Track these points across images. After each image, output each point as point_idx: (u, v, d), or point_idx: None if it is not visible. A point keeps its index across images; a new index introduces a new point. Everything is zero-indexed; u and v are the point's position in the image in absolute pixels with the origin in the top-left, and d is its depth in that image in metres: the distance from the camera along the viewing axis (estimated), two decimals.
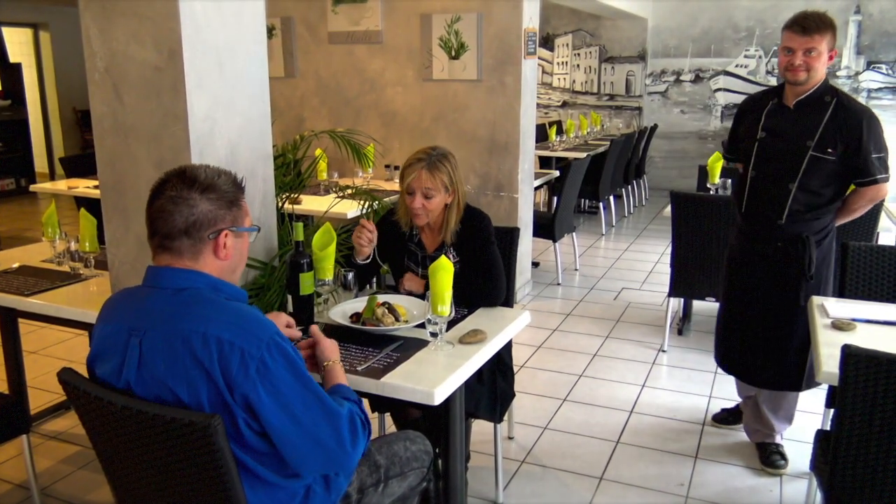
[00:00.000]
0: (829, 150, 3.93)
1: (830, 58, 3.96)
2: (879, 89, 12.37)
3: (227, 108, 3.34)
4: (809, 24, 3.87)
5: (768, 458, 4.37)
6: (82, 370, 2.36)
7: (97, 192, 3.59)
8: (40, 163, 14.72)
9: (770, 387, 4.30)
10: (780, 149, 4.08)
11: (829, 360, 2.99)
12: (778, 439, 4.44)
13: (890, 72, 12.31)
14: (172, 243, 2.30)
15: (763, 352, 4.25)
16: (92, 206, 4.35)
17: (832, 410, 3.00)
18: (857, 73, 12.40)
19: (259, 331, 2.21)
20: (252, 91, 3.48)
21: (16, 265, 4.36)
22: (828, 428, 3.48)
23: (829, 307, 3.60)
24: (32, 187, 8.50)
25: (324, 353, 2.73)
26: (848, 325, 3.36)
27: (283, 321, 2.92)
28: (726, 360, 4.53)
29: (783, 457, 4.36)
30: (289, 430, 2.22)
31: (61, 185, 7.87)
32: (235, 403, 2.16)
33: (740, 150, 4.33)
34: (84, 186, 7.33)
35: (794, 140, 4.03)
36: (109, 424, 2.26)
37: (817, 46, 3.88)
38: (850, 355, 2.60)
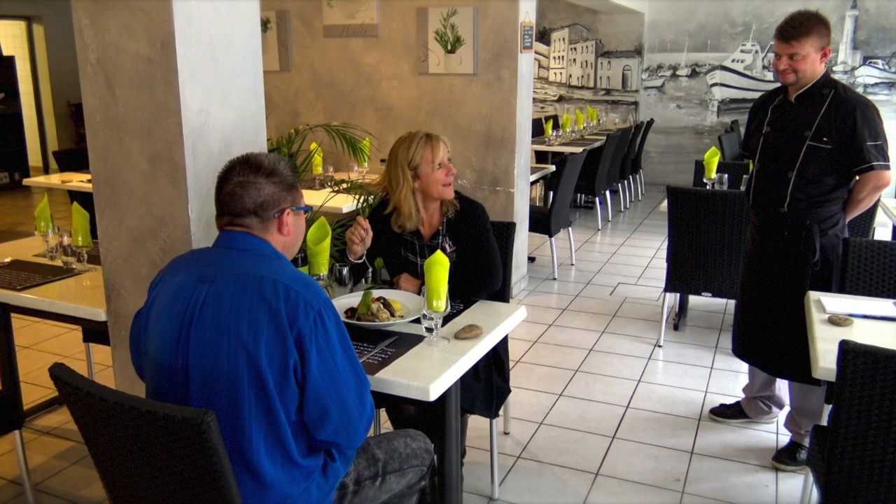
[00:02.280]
0: (825, 140, 4.00)
1: (825, 55, 4.04)
2: (875, 84, 12.37)
3: (221, 101, 3.32)
4: (788, 31, 4.00)
5: (793, 455, 4.34)
6: (76, 365, 2.35)
7: (91, 185, 3.57)
8: (34, 157, 14.67)
9: (793, 378, 4.29)
10: (781, 141, 4.18)
11: (826, 355, 2.99)
12: (806, 441, 4.32)
13: (886, 67, 12.31)
14: (243, 221, 2.53)
15: (783, 342, 4.24)
16: (85, 199, 4.33)
17: (829, 406, 3.00)
18: (854, 69, 12.39)
19: (318, 290, 2.44)
20: (246, 84, 3.46)
21: (8, 259, 4.33)
22: (824, 423, 3.47)
23: (825, 302, 3.60)
24: (26, 181, 8.50)
25: None
26: (845, 321, 3.35)
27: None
28: (746, 352, 4.54)
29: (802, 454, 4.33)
30: (324, 386, 2.37)
31: (55, 178, 7.84)
32: (293, 343, 2.32)
33: (750, 146, 4.43)
34: (78, 180, 7.30)
35: (793, 131, 4.12)
36: (101, 421, 2.25)
37: (799, 51, 3.99)
38: (847, 351, 2.59)
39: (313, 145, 6.16)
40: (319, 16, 8.03)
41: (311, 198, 5.96)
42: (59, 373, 2.29)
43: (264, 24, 8.17)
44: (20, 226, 10.55)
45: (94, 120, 3.39)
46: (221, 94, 3.32)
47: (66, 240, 4.19)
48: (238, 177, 2.53)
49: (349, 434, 2.46)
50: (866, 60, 12.37)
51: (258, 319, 2.31)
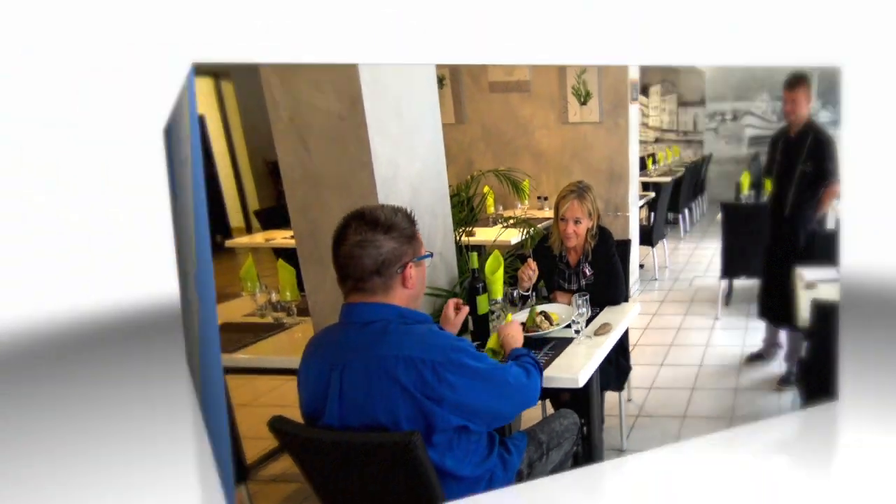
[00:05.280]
0: (809, 164, 4.43)
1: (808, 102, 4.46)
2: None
3: (407, 153, 2.98)
4: (790, 83, 4.35)
5: (787, 379, 4.79)
6: (294, 414, 2.09)
7: (293, 241, 3.16)
8: (235, 217, 11.61)
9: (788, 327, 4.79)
10: (785, 167, 4.59)
11: (804, 311, 3.51)
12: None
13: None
14: (366, 284, 2.00)
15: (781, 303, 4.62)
16: (289, 255, 3.73)
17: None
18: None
19: (442, 341, 2.03)
20: (428, 136, 3.15)
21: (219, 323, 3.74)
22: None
23: (806, 274, 3.92)
24: (228, 243, 6.95)
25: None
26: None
27: (451, 304, 2.69)
28: (765, 312, 5.06)
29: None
30: (486, 402, 2.07)
31: (258, 238, 6.34)
32: (434, 406, 1.97)
33: (770, 171, 4.84)
34: (281, 237, 5.94)
35: (792, 160, 4.53)
36: (321, 460, 2.04)
37: (797, 98, 4.38)
38: (816, 305, 3.08)
39: (486, 188, 5.94)
40: (485, 73, 7.63)
41: (486, 234, 5.51)
42: (279, 424, 2.01)
43: (440, 81, 7.73)
44: (227, 288, 8.15)
45: (291, 176, 2.90)
46: (407, 146, 2.97)
47: (274, 296, 3.59)
48: (354, 236, 1.97)
49: (522, 405, 2.27)
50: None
51: (393, 401, 1.94)
